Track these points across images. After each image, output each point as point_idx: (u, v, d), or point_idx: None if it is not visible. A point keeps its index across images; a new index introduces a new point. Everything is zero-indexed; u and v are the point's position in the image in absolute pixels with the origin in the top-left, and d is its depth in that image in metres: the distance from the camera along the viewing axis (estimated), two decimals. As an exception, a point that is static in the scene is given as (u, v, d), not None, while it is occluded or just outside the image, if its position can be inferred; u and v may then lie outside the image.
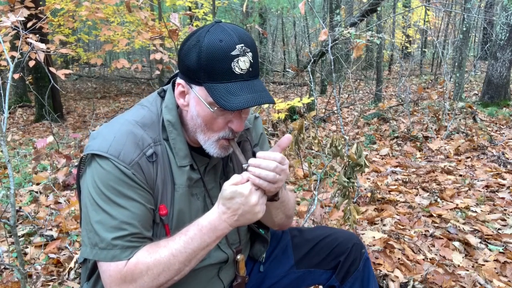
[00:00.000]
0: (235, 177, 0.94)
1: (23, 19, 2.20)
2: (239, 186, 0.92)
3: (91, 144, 0.98)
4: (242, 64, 0.93)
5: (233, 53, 0.91)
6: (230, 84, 0.93)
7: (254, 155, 1.07)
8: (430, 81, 10.42)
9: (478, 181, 3.31)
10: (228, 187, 0.93)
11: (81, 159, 1.01)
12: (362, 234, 2.36)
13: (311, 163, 3.69)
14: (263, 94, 0.95)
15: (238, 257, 1.15)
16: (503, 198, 2.90)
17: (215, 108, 0.95)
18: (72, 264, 2.13)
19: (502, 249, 2.20)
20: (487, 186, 3.15)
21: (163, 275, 0.94)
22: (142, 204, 0.96)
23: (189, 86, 0.98)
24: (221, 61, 0.91)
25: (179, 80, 1.00)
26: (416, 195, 3.06)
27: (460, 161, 3.89)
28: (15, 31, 2.15)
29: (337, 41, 4.61)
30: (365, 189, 3.11)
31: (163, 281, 0.95)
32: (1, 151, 2.26)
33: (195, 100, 0.98)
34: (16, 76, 2.79)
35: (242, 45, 0.93)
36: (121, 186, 0.94)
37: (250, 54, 0.94)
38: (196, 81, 0.95)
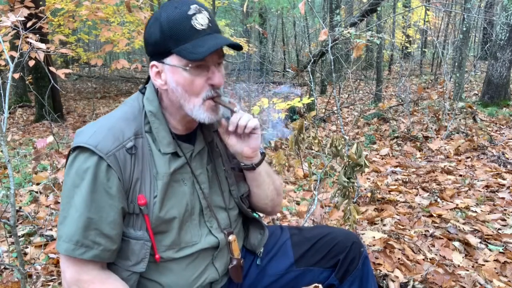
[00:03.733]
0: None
1: (23, 19, 2.20)
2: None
3: (74, 140, 1.01)
4: (201, 19, 0.98)
5: (190, 12, 0.97)
6: (196, 40, 0.97)
7: None
8: (430, 81, 10.42)
9: (478, 181, 3.30)
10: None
11: (68, 155, 1.04)
12: (362, 234, 2.36)
13: (311, 163, 3.69)
14: (223, 38, 1.00)
15: (230, 238, 1.15)
16: (503, 198, 2.90)
17: (189, 65, 0.98)
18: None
19: (502, 249, 2.20)
20: (487, 186, 3.15)
21: None
22: (112, 205, 0.98)
23: (161, 62, 1.01)
24: (181, 23, 0.96)
25: (151, 63, 1.03)
26: (416, 195, 3.06)
27: (460, 161, 3.89)
28: (15, 30, 2.15)
29: (337, 41, 4.61)
30: (365, 189, 3.11)
31: None
32: (1, 151, 2.26)
33: (170, 72, 1.00)
34: (16, 76, 2.79)
35: (195, 5, 0.98)
36: (94, 181, 0.95)
37: (205, 12, 0.99)
38: (166, 53, 0.99)
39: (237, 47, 1.01)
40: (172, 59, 0.99)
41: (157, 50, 1.00)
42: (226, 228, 1.16)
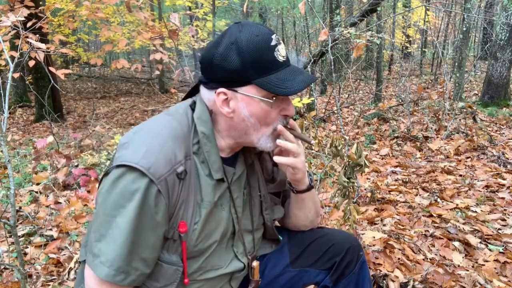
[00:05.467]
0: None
1: (23, 18, 2.20)
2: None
3: (122, 154, 0.93)
4: (282, 51, 0.97)
5: (272, 43, 0.95)
6: (279, 72, 0.95)
7: (275, 165, 1.20)
8: (430, 81, 10.42)
9: (478, 181, 3.30)
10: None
11: (108, 168, 0.97)
12: (362, 234, 2.36)
13: (311, 163, 3.70)
14: (306, 74, 0.99)
15: (254, 264, 1.15)
16: (503, 198, 2.90)
17: (274, 98, 0.97)
18: (72, 264, 2.13)
19: (502, 249, 2.20)
20: (487, 186, 3.15)
21: None
22: (156, 232, 0.94)
23: (233, 91, 0.96)
24: (265, 54, 0.93)
25: (219, 90, 0.96)
26: (416, 195, 3.06)
27: (460, 161, 3.89)
28: (15, 30, 2.15)
29: (337, 41, 4.60)
30: (365, 189, 3.11)
31: None
32: (1, 151, 2.26)
33: (244, 102, 0.96)
34: (16, 76, 2.79)
35: (275, 35, 0.96)
36: (143, 207, 0.90)
37: (281, 41, 0.98)
38: (242, 82, 0.95)
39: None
40: (249, 89, 0.95)
41: (232, 78, 0.95)
42: (250, 252, 1.16)
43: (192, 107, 1.04)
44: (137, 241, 0.91)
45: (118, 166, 0.91)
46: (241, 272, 1.14)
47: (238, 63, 0.92)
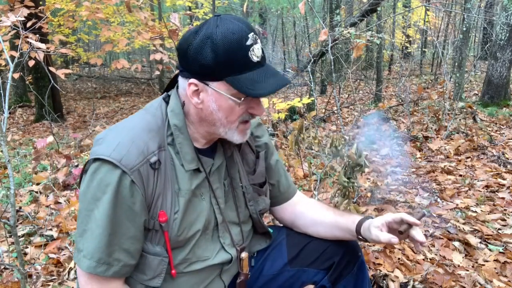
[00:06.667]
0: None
1: (23, 18, 2.20)
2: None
3: (95, 149, 0.97)
4: (257, 51, 0.95)
5: (248, 43, 0.93)
6: (252, 73, 0.95)
7: (257, 158, 1.20)
8: (430, 81, 10.42)
9: (478, 181, 3.30)
10: None
11: (85, 165, 1.00)
12: (362, 234, 2.36)
13: (311, 163, 3.69)
14: (280, 76, 0.99)
15: (243, 255, 1.15)
16: (503, 198, 2.90)
17: (242, 98, 0.96)
18: (72, 264, 2.13)
19: (502, 249, 2.20)
20: (487, 186, 3.15)
21: None
22: (135, 222, 0.96)
23: (204, 84, 0.97)
24: (238, 53, 0.92)
25: (190, 80, 0.97)
26: (416, 195, 3.06)
27: (460, 161, 3.89)
28: (15, 30, 2.15)
29: (337, 41, 4.61)
30: (365, 189, 3.11)
31: None
32: (1, 151, 2.26)
33: (214, 96, 0.97)
34: (16, 76, 2.79)
35: (252, 33, 0.94)
36: (118, 197, 0.93)
37: (259, 41, 0.96)
38: (214, 77, 0.95)
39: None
40: (220, 86, 0.96)
41: (205, 72, 0.95)
42: (238, 244, 1.15)
43: (166, 100, 1.06)
44: (116, 232, 0.93)
45: (93, 160, 0.95)
46: (229, 264, 1.14)
47: (211, 59, 0.92)
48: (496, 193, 3.02)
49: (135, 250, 0.98)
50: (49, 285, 1.99)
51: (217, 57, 0.92)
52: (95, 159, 0.95)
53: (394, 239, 1.05)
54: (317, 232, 1.25)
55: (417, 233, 1.06)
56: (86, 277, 0.96)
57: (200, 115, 1.01)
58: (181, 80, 1.02)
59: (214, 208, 1.09)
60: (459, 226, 2.44)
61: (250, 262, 1.26)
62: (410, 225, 1.07)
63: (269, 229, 1.26)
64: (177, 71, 1.06)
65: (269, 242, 1.27)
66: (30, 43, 2.14)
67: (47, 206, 2.96)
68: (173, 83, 1.09)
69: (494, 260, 2.08)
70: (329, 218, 1.23)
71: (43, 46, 2.20)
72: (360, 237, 1.15)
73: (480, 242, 2.27)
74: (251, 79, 0.94)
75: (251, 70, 0.95)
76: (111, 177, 0.92)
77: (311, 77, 4.63)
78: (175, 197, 1.00)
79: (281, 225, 1.36)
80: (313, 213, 1.27)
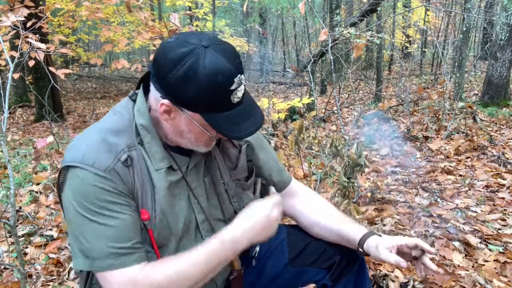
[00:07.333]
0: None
1: (23, 18, 2.20)
2: (263, 202, 1.05)
3: (65, 156, 0.96)
4: (240, 93, 0.94)
5: (232, 87, 0.91)
6: (230, 113, 0.94)
7: (240, 152, 1.19)
8: (430, 81, 10.41)
9: (478, 181, 3.31)
10: (253, 203, 1.05)
11: (60, 173, 0.99)
12: (362, 234, 2.36)
13: (311, 163, 3.69)
14: (256, 113, 0.99)
15: None
16: (503, 198, 2.90)
17: (214, 134, 0.97)
18: (72, 264, 2.13)
19: (502, 249, 2.20)
20: (487, 186, 3.15)
21: (185, 286, 0.95)
22: (129, 211, 0.96)
23: (178, 108, 0.95)
24: (221, 96, 0.92)
25: (163, 101, 0.94)
26: (416, 195, 3.06)
27: (460, 161, 3.89)
28: (15, 30, 2.15)
29: (337, 41, 4.61)
30: (365, 189, 3.11)
31: None
32: (1, 151, 2.26)
33: (186, 121, 0.96)
34: (16, 76, 2.79)
35: (239, 75, 0.92)
36: (104, 195, 0.92)
37: (244, 82, 0.95)
38: (190, 108, 0.94)
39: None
40: (195, 116, 0.94)
41: (182, 100, 0.93)
42: None
43: (133, 98, 1.05)
44: (113, 223, 0.93)
45: (67, 168, 0.95)
46: None
47: (192, 95, 0.90)
48: (496, 193, 3.02)
49: (138, 234, 0.97)
50: (49, 285, 2.00)
51: (199, 95, 0.90)
52: (68, 167, 0.94)
53: (403, 263, 1.05)
54: (317, 234, 1.25)
55: (430, 262, 1.08)
56: (112, 278, 0.93)
57: (167, 126, 1.00)
58: (153, 89, 0.98)
59: (193, 207, 1.07)
60: (459, 226, 2.44)
61: (250, 261, 1.26)
62: (423, 252, 1.07)
63: None
64: (148, 70, 1.02)
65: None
66: (30, 43, 2.14)
67: (47, 206, 2.96)
68: (143, 81, 1.06)
69: (494, 260, 2.08)
70: (332, 224, 1.22)
71: (43, 46, 2.20)
72: (361, 250, 1.15)
73: (480, 242, 2.27)
74: (227, 120, 0.94)
75: (229, 110, 0.94)
76: (90, 178, 0.92)
77: (311, 77, 4.63)
78: (152, 195, 0.99)
79: (281, 224, 1.36)
80: (315, 214, 1.26)
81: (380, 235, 1.16)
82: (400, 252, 1.10)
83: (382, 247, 1.09)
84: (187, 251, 0.99)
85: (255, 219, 1.02)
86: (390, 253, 1.07)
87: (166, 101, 0.94)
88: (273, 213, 1.04)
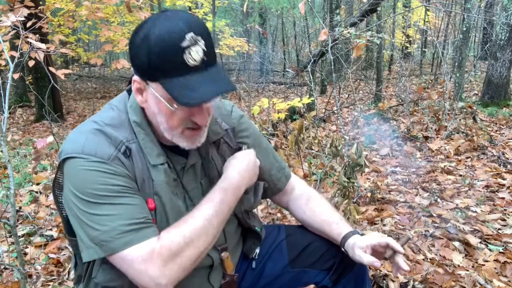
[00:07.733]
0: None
1: (23, 18, 2.20)
2: (247, 151, 1.12)
3: (63, 149, 0.93)
4: (195, 54, 0.87)
5: (183, 44, 0.85)
6: (185, 77, 0.87)
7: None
8: (430, 81, 10.41)
9: (478, 181, 3.31)
10: (238, 153, 1.10)
11: (58, 167, 0.97)
12: (362, 234, 2.36)
13: (311, 163, 3.69)
14: (221, 83, 0.91)
15: (223, 255, 1.12)
16: (503, 198, 2.90)
17: (175, 106, 0.91)
18: (72, 264, 2.13)
19: (502, 249, 2.20)
20: (487, 186, 3.15)
21: (203, 243, 0.94)
22: (138, 194, 0.94)
23: (145, 83, 0.93)
24: (172, 56, 0.86)
25: (134, 77, 0.94)
26: (416, 195, 3.06)
27: (460, 161, 3.89)
28: (15, 30, 2.15)
29: (337, 41, 4.61)
30: (365, 189, 3.11)
31: (203, 250, 0.95)
32: (1, 151, 2.26)
33: (153, 97, 0.93)
34: (16, 76, 2.78)
35: (192, 33, 0.86)
36: (111, 179, 0.90)
37: (202, 42, 0.88)
38: (151, 78, 0.91)
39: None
40: (157, 88, 0.90)
41: (142, 71, 0.91)
42: (220, 245, 1.12)
43: (129, 92, 1.03)
44: (124, 202, 0.90)
45: (66, 160, 0.92)
46: (213, 267, 1.10)
47: (145, 60, 0.88)
48: (496, 193, 3.02)
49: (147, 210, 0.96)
50: (49, 285, 2.00)
51: (150, 59, 0.87)
52: (68, 159, 0.91)
53: (376, 262, 1.05)
54: (309, 228, 1.28)
55: (402, 261, 1.06)
56: (130, 258, 0.88)
57: (148, 114, 0.98)
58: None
59: (189, 209, 1.03)
60: (459, 226, 2.44)
61: (250, 264, 1.26)
62: (395, 251, 1.07)
63: (256, 228, 1.23)
64: None
65: (258, 242, 1.25)
66: (30, 43, 2.14)
67: (47, 206, 2.96)
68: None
69: (494, 260, 2.08)
70: (316, 224, 1.24)
71: (43, 46, 2.20)
72: (344, 250, 1.16)
73: (480, 242, 2.27)
74: (184, 85, 0.87)
75: (186, 75, 0.87)
76: (95, 165, 0.90)
77: (311, 77, 4.63)
78: (153, 188, 0.97)
79: (281, 224, 1.36)
80: (302, 213, 1.27)
81: (362, 234, 1.16)
82: (375, 251, 1.10)
83: (357, 247, 1.09)
84: (195, 208, 0.98)
85: (246, 162, 1.08)
86: (364, 254, 1.07)
87: (136, 77, 0.94)
88: (256, 158, 1.12)
